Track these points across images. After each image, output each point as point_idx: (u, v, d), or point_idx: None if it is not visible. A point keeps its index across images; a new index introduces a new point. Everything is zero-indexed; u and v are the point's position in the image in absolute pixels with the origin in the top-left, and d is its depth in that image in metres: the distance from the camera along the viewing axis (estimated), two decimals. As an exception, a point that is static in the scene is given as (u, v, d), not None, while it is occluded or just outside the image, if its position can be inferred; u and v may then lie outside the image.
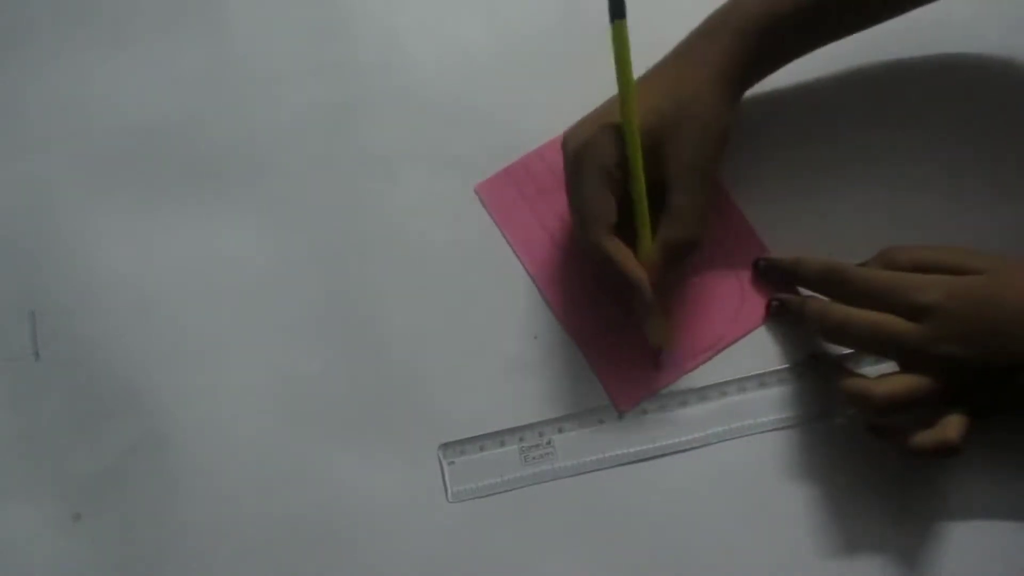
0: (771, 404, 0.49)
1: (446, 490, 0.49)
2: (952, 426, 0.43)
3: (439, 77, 0.56)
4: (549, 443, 0.50)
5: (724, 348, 0.50)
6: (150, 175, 0.55)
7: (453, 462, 0.50)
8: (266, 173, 0.55)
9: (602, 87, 0.54)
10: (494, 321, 0.52)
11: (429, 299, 0.52)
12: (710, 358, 0.50)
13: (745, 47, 0.46)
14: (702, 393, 0.50)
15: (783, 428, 0.49)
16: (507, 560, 0.48)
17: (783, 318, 0.50)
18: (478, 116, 0.55)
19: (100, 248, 0.54)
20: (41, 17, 0.58)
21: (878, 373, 0.45)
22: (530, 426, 0.50)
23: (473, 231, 0.53)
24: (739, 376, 0.50)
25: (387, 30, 0.57)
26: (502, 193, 0.53)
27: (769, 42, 0.47)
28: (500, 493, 0.49)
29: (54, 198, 0.55)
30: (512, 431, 0.50)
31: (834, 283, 0.47)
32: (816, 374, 0.49)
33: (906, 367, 0.44)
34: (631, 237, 0.47)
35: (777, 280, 0.50)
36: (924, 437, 0.43)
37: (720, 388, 0.50)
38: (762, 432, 0.49)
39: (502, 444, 0.50)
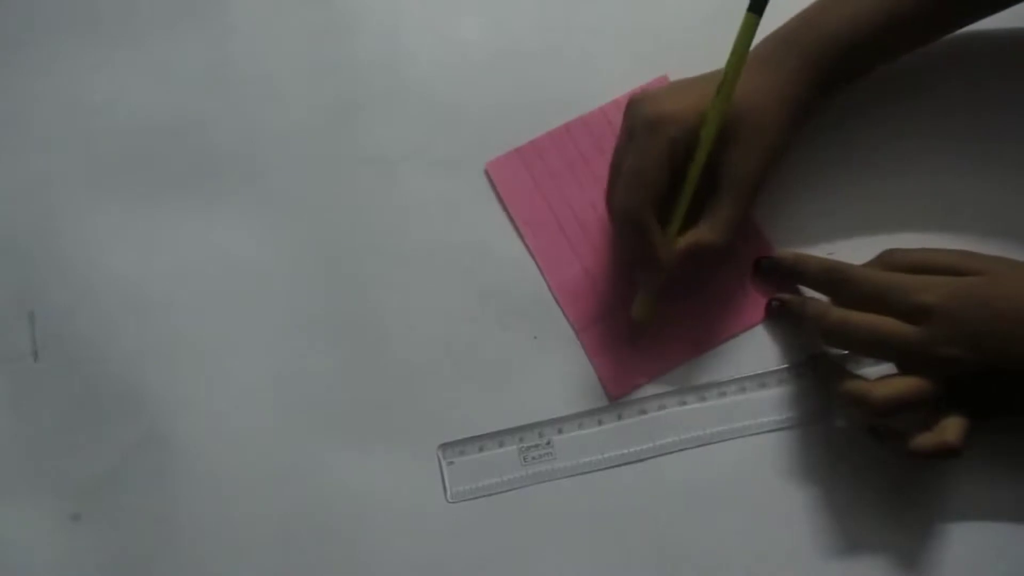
0: (771, 404, 0.49)
1: (445, 490, 0.49)
2: (951, 428, 0.43)
3: (439, 77, 0.56)
4: (548, 443, 0.50)
5: (723, 342, 0.50)
6: (150, 175, 0.55)
7: (452, 462, 0.50)
8: (266, 173, 0.55)
9: (602, 85, 0.54)
10: (494, 321, 0.51)
11: (429, 299, 0.52)
12: (707, 350, 0.50)
13: (818, 69, 0.47)
14: (702, 393, 0.50)
15: (783, 428, 0.49)
16: (507, 560, 0.48)
17: (783, 318, 0.50)
18: (478, 116, 0.55)
19: (100, 248, 0.54)
20: (41, 17, 0.58)
21: (878, 375, 0.45)
22: (530, 426, 0.50)
23: (473, 231, 0.53)
24: (739, 376, 0.50)
25: (387, 30, 0.57)
26: (512, 173, 0.54)
27: (843, 61, 0.47)
28: (499, 493, 0.49)
29: (54, 198, 0.55)
30: (511, 431, 0.50)
31: (835, 283, 0.47)
32: (815, 375, 0.49)
33: (905, 369, 0.44)
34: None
35: (779, 279, 0.50)
36: (923, 440, 0.43)
37: (720, 388, 0.50)
38: (762, 432, 0.49)
39: (501, 444, 0.50)
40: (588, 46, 0.56)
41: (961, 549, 0.46)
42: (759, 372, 0.50)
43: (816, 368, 0.49)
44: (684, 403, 0.50)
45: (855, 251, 0.49)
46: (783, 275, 0.50)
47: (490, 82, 0.55)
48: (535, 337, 0.51)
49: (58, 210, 0.55)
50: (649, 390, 0.50)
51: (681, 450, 0.49)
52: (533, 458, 0.49)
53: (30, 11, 0.58)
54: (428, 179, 0.54)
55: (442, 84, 0.55)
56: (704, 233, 0.46)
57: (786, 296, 0.50)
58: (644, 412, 0.50)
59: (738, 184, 0.46)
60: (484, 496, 0.49)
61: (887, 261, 0.47)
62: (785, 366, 0.50)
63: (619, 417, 0.50)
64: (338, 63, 0.56)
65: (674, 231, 0.47)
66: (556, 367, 0.51)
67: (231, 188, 0.55)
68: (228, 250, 0.54)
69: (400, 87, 0.56)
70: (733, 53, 0.45)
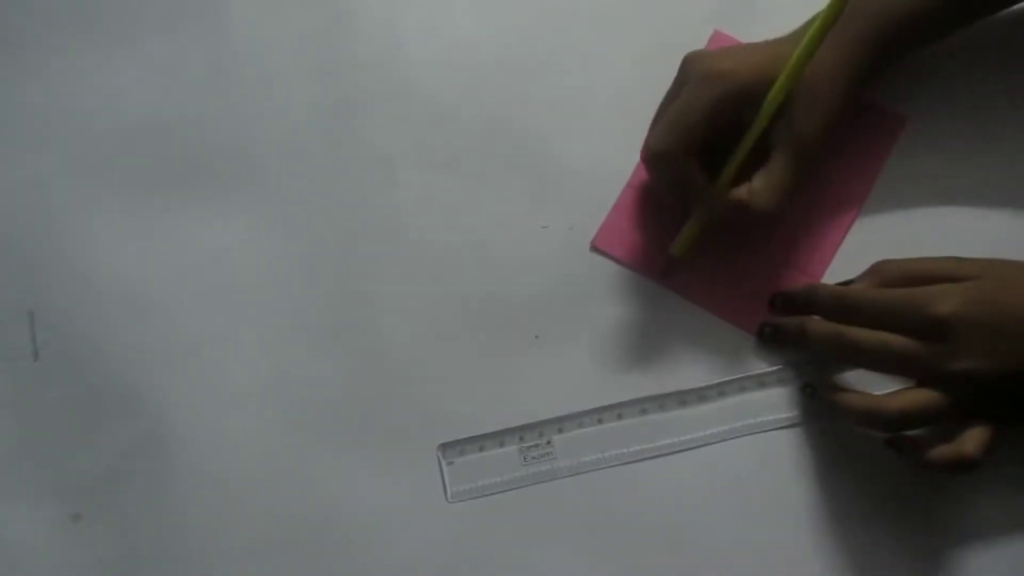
0: (771, 404, 0.49)
1: (445, 490, 0.49)
2: (972, 440, 0.42)
3: (439, 77, 0.56)
4: (549, 443, 0.50)
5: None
6: (150, 175, 0.55)
7: (452, 462, 0.50)
8: (266, 173, 0.55)
9: (603, 84, 0.54)
10: (494, 321, 0.51)
11: (428, 299, 0.52)
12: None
13: (879, 38, 0.45)
14: (701, 393, 0.50)
15: (783, 428, 0.49)
16: (507, 560, 0.48)
17: (777, 343, 0.49)
18: (478, 115, 0.55)
19: (99, 248, 0.54)
20: (41, 17, 0.58)
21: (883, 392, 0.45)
22: (530, 426, 0.50)
23: (473, 231, 0.53)
24: (739, 376, 0.50)
25: (387, 29, 0.57)
26: (618, 235, 0.52)
27: (901, 33, 0.46)
28: (500, 493, 0.49)
29: (54, 198, 0.55)
30: (512, 431, 0.50)
31: (847, 309, 0.45)
32: (817, 398, 0.48)
33: (924, 384, 0.43)
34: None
35: (793, 312, 0.49)
36: (941, 451, 0.42)
37: (720, 388, 0.50)
38: (762, 432, 0.49)
39: (502, 444, 0.50)
40: (588, 44, 0.56)
41: (962, 548, 0.46)
42: (759, 372, 0.50)
43: (816, 392, 0.48)
44: (684, 403, 0.50)
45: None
46: (797, 308, 0.48)
47: (490, 82, 0.55)
48: (535, 337, 0.51)
49: (58, 210, 0.55)
50: (649, 390, 0.50)
51: (681, 450, 0.49)
52: (533, 458, 0.49)
53: (30, 11, 0.58)
54: (428, 179, 0.54)
55: (442, 84, 0.55)
56: (756, 196, 0.45)
57: (779, 320, 0.49)
58: (644, 412, 0.50)
59: (795, 146, 0.45)
60: (484, 496, 0.49)
61: (879, 275, 0.46)
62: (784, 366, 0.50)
63: (619, 417, 0.50)
64: (338, 63, 0.56)
65: (723, 183, 0.46)
66: (556, 367, 0.51)
67: (231, 188, 0.55)
68: (228, 250, 0.54)
69: (400, 87, 0.56)
70: (818, 23, 0.42)
